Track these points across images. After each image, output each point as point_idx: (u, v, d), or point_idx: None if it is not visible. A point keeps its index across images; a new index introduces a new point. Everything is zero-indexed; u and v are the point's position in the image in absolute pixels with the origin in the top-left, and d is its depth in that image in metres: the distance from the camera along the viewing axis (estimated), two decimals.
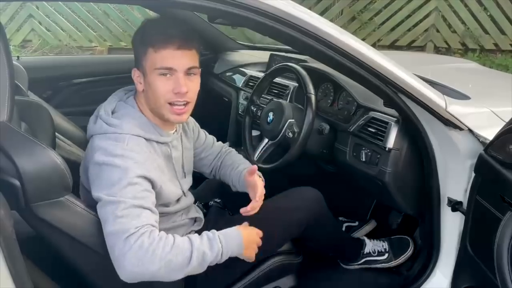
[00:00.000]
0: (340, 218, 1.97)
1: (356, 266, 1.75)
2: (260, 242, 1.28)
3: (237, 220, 1.33)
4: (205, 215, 1.50)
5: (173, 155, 1.28)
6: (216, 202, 1.57)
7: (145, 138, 1.17)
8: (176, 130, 1.31)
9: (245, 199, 1.41)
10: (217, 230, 1.20)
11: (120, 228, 1.03)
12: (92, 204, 1.14)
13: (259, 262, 1.42)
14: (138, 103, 1.22)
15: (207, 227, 1.42)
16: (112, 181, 1.07)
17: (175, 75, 1.16)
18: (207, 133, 1.55)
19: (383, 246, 1.75)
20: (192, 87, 1.19)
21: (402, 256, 1.72)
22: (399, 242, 1.76)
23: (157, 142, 1.21)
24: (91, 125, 1.19)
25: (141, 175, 1.10)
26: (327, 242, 1.63)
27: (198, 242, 1.12)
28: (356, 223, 1.94)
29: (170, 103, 1.17)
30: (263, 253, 1.40)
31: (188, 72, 1.18)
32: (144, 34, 1.17)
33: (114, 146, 1.11)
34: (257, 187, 1.36)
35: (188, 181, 1.39)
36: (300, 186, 1.56)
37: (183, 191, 1.33)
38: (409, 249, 1.73)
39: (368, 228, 1.92)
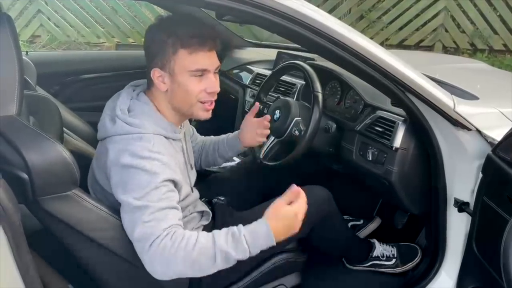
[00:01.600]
0: (345, 217, 1.97)
1: (362, 268, 1.74)
2: (302, 208, 1.16)
3: (245, 217, 1.34)
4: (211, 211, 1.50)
5: (186, 147, 1.32)
6: (220, 200, 1.57)
7: (164, 137, 1.18)
8: (181, 126, 1.32)
9: (248, 197, 1.42)
10: (225, 226, 1.16)
11: (146, 233, 1.05)
12: (103, 199, 1.16)
13: (264, 260, 1.42)
14: (152, 100, 1.22)
15: (214, 223, 1.44)
16: (140, 185, 1.07)
17: (207, 75, 1.19)
18: None
19: (391, 251, 1.73)
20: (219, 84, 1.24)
21: (409, 264, 1.71)
22: (408, 250, 1.75)
23: (173, 139, 1.23)
24: (109, 126, 1.16)
25: (168, 178, 1.11)
26: (335, 242, 1.63)
27: (221, 241, 1.07)
28: (361, 222, 1.94)
29: (201, 102, 1.21)
30: (268, 251, 1.41)
31: (215, 70, 1.22)
32: (173, 35, 1.14)
33: (142, 148, 1.10)
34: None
35: (194, 174, 1.42)
36: (306, 184, 1.56)
37: (191, 186, 1.35)
38: (416, 258, 1.70)
39: (372, 226, 1.92)
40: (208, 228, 1.21)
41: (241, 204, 1.52)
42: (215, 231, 1.11)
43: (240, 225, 1.12)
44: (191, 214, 1.37)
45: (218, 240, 1.08)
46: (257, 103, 1.58)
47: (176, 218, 1.10)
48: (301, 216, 1.15)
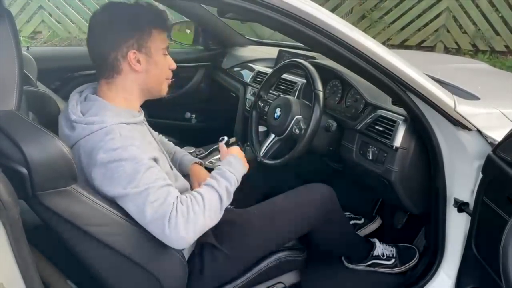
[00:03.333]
0: (346, 213, 1.97)
1: (361, 267, 1.74)
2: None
3: (241, 214, 1.36)
4: None
5: (153, 134, 1.33)
6: None
7: (126, 123, 1.16)
8: (140, 110, 1.30)
9: (249, 196, 1.42)
10: (222, 222, 1.22)
11: (159, 212, 1.07)
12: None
13: (263, 257, 1.43)
14: (102, 95, 1.21)
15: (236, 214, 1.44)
16: (128, 174, 1.07)
17: (168, 52, 1.27)
18: None
19: (391, 251, 1.75)
20: None
21: (408, 264, 1.73)
22: (407, 251, 1.76)
23: (135, 123, 1.21)
24: (70, 133, 1.14)
25: (149, 157, 1.12)
26: (336, 241, 1.63)
27: (216, 183, 1.20)
28: (362, 221, 1.94)
29: (166, 78, 1.28)
30: (271, 248, 1.43)
31: None
32: (142, 16, 1.18)
33: (111, 141, 1.09)
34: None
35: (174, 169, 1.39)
36: (306, 182, 1.56)
37: (170, 166, 1.33)
38: (415, 258, 1.73)
39: (373, 226, 1.92)
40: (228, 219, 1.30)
41: (241, 202, 1.52)
42: (204, 182, 1.22)
43: (218, 166, 1.28)
44: None
45: (213, 184, 1.20)
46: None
47: (176, 191, 1.13)
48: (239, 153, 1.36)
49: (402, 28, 5.40)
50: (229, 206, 1.53)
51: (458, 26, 5.26)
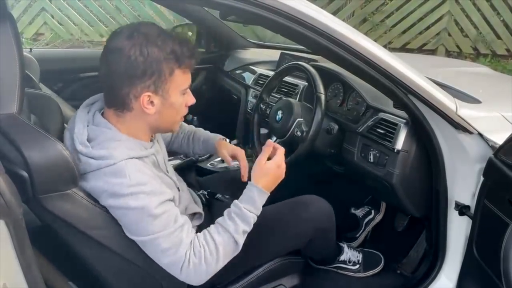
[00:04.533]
0: (353, 209, 1.99)
1: (325, 268, 1.74)
2: (281, 158, 1.24)
3: (267, 208, 1.34)
4: (207, 206, 1.49)
5: (159, 160, 1.20)
6: (226, 197, 1.53)
7: (137, 158, 1.07)
8: (153, 137, 1.23)
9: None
10: None
11: (171, 261, 1.08)
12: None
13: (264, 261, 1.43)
14: (112, 121, 1.10)
15: (212, 219, 1.37)
16: (137, 223, 1.05)
17: (188, 90, 1.16)
18: None
19: (357, 257, 1.75)
20: None
21: (371, 271, 1.74)
22: (372, 257, 1.77)
23: (146, 156, 1.12)
24: (77, 163, 1.03)
25: (158, 203, 1.05)
26: (320, 249, 1.58)
27: (233, 226, 1.13)
28: (372, 214, 1.96)
29: (181, 117, 1.19)
30: (261, 259, 1.42)
31: None
32: (171, 54, 1.04)
33: (119, 186, 1.02)
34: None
35: (172, 171, 1.33)
36: (307, 185, 1.56)
37: (177, 187, 1.26)
38: (379, 267, 1.75)
39: (379, 217, 1.96)
40: (202, 228, 1.20)
41: None
42: (219, 220, 1.16)
43: (236, 201, 1.17)
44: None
45: (229, 227, 1.12)
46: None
47: (189, 232, 1.10)
48: (283, 164, 1.23)
49: (404, 32, 5.41)
50: None
51: (459, 29, 5.26)
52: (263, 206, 1.21)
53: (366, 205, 2.01)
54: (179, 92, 1.11)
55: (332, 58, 1.30)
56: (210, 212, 1.48)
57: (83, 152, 1.05)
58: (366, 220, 1.95)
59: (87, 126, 1.09)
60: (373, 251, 1.80)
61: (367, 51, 1.17)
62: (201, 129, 1.59)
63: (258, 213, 1.18)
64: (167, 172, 1.24)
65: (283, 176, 1.24)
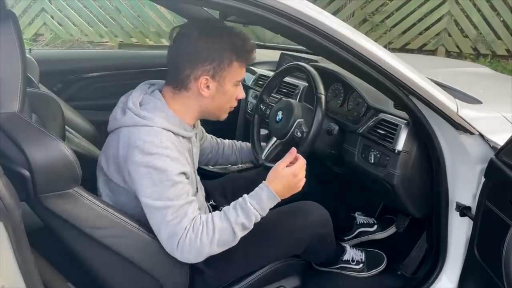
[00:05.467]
0: (357, 213, 1.97)
1: (328, 269, 1.72)
2: (300, 168, 1.26)
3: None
4: None
5: (194, 150, 1.32)
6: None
7: (173, 132, 1.18)
8: (195, 127, 1.33)
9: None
10: None
11: (171, 233, 1.13)
12: (111, 192, 1.21)
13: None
14: (166, 97, 1.23)
15: None
16: (155, 184, 1.11)
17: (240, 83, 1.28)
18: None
19: (360, 256, 1.73)
20: None
21: (374, 270, 1.73)
22: (375, 257, 1.76)
23: (183, 136, 1.23)
24: (119, 116, 1.19)
25: (179, 172, 1.14)
26: (319, 254, 1.59)
27: (234, 216, 1.17)
28: (374, 228, 1.91)
29: (231, 107, 1.31)
30: (258, 264, 1.41)
31: None
32: (232, 47, 1.18)
33: (150, 144, 1.11)
34: None
35: (198, 177, 1.42)
36: (314, 185, 1.56)
37: (196, 186, 1.35)
38: (382, 265, 1.74)
39: (381, 235, 1.90)
40: None
41: None
42: (225, 208, 1.21)
43: (245, 195, 1.22)
44: None
45: (231, 216, 1.17)
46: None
47: (195, 211, 1.17)
48: (300, 175, 1.26)
49: (404, 32, 5.41)
50: None
51: (459, 30, 5.27)
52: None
53: (377, 219, 1.96)
54: (233, 82, 1.24)
55: (333, 59, 1.30)
56: None
57: (131, 108, 1.18)
58: (362, 229, 1.92)
59: (144, 94, 1.23)
60: (375, 250, 1.79)
61: (368, 51, 1.17)
62: (231, 142, 1.74)
63: (263, 213, 1.21)
64: (194, 167, 1.34)
65: (298, 187, 1.27)
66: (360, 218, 1.95)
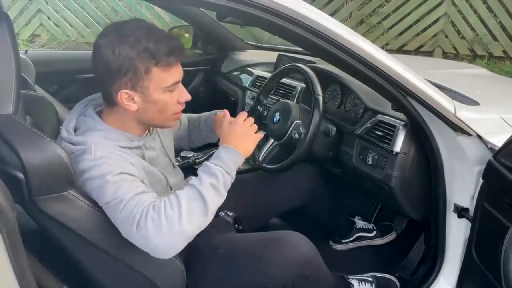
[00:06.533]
0: (357, 218, 1.98)
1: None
2: (241, 119, 1.25)
3: (240, 238, 1.36)
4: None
5: (147, 155, 1.20)
6: (228, 214, 1.49)
7: (114, 145, 1.10)
8: (149, 132, 1.24)
9: (260, 210, 1.47)
10: (220, 247, 1.27)
11: (127, 221, 1.01)
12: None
13: None
14: (104, 113, 1.15)
15: (212, 238, 1.34)
16: (98, 191, 1.04)
17: (178, 86, 1.14)
18: None
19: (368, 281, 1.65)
20: None
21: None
22: (387, 284, 1.69)
23: (130, 148, 1.13)
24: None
25: (120, 172, 1.04)
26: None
27: (197, 180, 1.07)
28: (373, 234, 1.93)
29: (174, 113, 1.17)
30: None
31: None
32: (144, 52, 1.04)
33: (84, 162, 1.04)
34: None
35: (176, 173, 1.37)
36: (303, 189, 1.54)
37: (169, 186, 1.26)
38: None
39: (381, 241, 1.93)
40: (195, 245, 1.18)
41: (249, 218, 1.52)
42: (187, 180, 1.16)
43: (205, 161, 1.14)
44: None
45: (194, 182, 1.07)
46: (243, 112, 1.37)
47: (150, 198, 1.05)
48: (247, 123, 1.24)
49: (401, 33, 5.42)
50: (237, 226, 1.49)
51: (456, 31, 5.27)
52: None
53: (377, 226, 1.95)
54: (161, 89, 1.09)
55: (331, 60, 1.29)
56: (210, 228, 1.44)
57: (64, 137, 1.10)
58: (361, 234, 1.92)
59: (78, 116, 1.14)
60: (386, 276, 1.69)
61: (365, 53, 1.17)
62: (203, 114, 1.61)
63: (229, 169, 1.11)
64: (160, 168, 1.23)
65: (250, 133, 1.22)
66: (360, 223, 1.95)
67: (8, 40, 1.00)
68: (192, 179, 1.09)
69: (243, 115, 1.27)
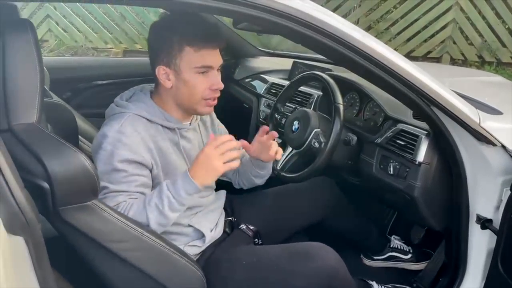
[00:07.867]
0: (393, 237, 1.89)
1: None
2: (210, 148, 1.13)
3: (261, 250, 1.35)
4: (228, 234, 1.43)
5: (182, 144, 1.29)
6: (249, 228, 1.47)
7: (147, 119, 1.21)
8: (191, 122, 1.33)
9: (280, 224, 1.45)
10: (242, 259, 1.27)
11: (107, 196, 1.14)
12: None
13: None
14: (153, 93, 1.27)
15: (229, 251, 1.35)
16: (100, 163, 1.14)
17: (211, 72, 1.22)
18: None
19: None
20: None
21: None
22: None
23: (162, 126, 1.24)
24: (108, 110, 1.26)
25: (126, 159, 1.13)
26: None
27: (148, 197, 1.15)
28: (408, 256, 1.82)
29: (205, 99, 1.23)
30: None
31: (219, 67, 1.25)
32: (178, 33, 1.17)
33: (109, 127, 1.15)
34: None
35: None
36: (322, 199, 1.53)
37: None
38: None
39: (415, 267, 1.81)
40: (206, 253, 1.25)
41: (269, 232, 1.49)
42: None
43: (165, 181, 1.18)
44: (188, 226, 1.32)
45: (147, 196, 1.16)
46: (265, 127, 1.41)
47: (122, 199, 1.15)
48: (213, 153, 1.12)
49: (408, 39, 5.41)
50: (256, 240, 1.46)
51: (464, 37, 5.26)
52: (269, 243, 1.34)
53: (414, 248, 1.85)
54: (192, 70, 1.18)
55: (352, 67, 1.26)
56: (230, 240, 1.42)
57: (116, 101, 1.26)
58: (394, 254, 1.82)
59: (134, 91, 1.30)
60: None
61: (390, 61, 1.15)
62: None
63: (177, 197, 1.13)
64: (191, 162, 1.23)
65: (215, 167, 1.12)
66: (396, 242, 1.85)
67: (33, 48, 0.99)
68: (148, 195, 1.16)
69: (218, 139, 1.15)
